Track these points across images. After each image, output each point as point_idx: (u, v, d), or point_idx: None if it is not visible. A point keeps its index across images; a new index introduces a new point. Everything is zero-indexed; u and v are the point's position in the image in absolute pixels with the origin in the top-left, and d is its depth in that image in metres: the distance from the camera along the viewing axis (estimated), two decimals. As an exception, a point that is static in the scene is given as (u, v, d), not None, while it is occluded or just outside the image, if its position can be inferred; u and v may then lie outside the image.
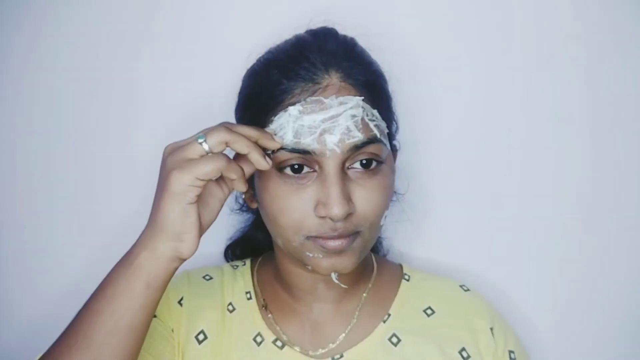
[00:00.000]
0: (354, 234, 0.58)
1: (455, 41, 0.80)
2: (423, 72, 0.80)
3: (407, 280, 0.71)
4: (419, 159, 0.80)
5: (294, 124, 0.56)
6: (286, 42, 0.64)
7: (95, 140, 0.82)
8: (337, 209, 0.55)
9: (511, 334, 0.69)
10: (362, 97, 0.58)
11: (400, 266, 0.74)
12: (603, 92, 0.79)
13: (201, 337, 0.66)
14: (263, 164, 0.55)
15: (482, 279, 0.80)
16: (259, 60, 0.65)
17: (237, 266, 0.74)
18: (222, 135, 0.53)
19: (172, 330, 0.66)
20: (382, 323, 0.67)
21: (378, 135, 0.58)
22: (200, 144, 0.53)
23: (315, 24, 0.66)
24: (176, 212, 0.53)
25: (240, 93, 0.66)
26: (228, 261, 0.80)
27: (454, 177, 0.82)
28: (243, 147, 0.54)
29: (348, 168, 0.58)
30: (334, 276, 0.62)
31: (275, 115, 0.58)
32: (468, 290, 0.71)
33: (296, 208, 0.57)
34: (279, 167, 0.58)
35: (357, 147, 0.57)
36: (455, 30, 0.80)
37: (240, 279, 0.72)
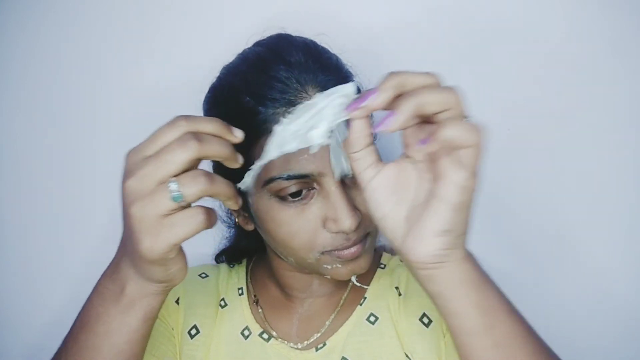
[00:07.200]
0: (366, 235, 0.59)
1: (453, 41, 0.80)
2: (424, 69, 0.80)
3: (383, 269, 0.73)
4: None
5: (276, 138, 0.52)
6: (244, 61, 0.61)
7: (99, 140, 0.85)
8: (349, 222, 0.55)
9: None
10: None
11: (380, 256, 0.75)
12: (601, 92, 0.78)
13: (194, 331, 0.68)
14: (232, 205, 0.48)
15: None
16: (221, 85, 0.62)
17: (234, 265, 0.77)
18: (202, 186, 0.43)
19: (173, 329, 0.68)
20: (359, 306, 0.68)
21: None
22: (176, 200, 0.42)
23: (268, 32, 0.64)
24: (159, 271, 0.46)
25: None
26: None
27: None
28: (223, 195, 0.45)
29: (345, 176, 0.57)
30: (354, 279, 0.63)
31: (261, 140, 0.55)
32: None
33: (305, 229, 0.57)
34: (279, 195, 0.56)
35: None
36: (453, 30, 0.80)
37: (235, 276, 0.74)
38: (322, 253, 0.58)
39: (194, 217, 0.43)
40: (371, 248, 0.61)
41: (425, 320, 0.65)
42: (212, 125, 0.45)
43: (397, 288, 0.69)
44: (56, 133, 0.84)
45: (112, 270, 0.49)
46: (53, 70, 0.83)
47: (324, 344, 0.66)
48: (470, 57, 0.79)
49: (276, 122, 0.53)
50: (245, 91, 0.57)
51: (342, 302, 0.69)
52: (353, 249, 0.58)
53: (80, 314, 0.52)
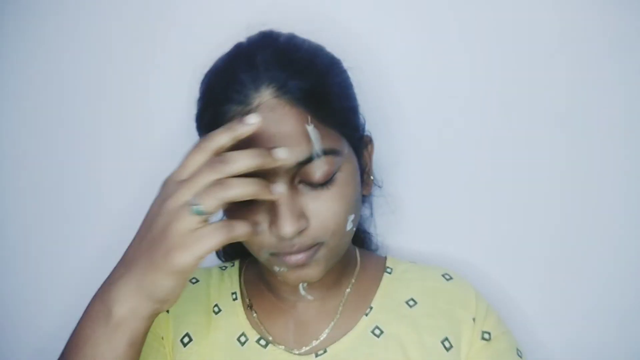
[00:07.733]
0: (315, 245, 0.57)
1: (452, 42, 0.79)
2: (418, 69, 0.80)
3: (389, 273, 0.71)
4: (412, 152, 0.81)
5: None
6: (222, 57, 0.62)
7: (103, 139, 0.85)
8: (286, 228, 0.53)
9: (492, 317, 0.67)
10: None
11: (385, 259, 0.74)
12: (599, 92, 0.78)
13: (186, 339, 0.66)
14: (269, 196, 0.50)
15: (475, 269, 0.81)
16: (203, 79, 0.63)
17: (226, 267, 0.75)
18: (220, 196, 0.47)
19: (162, 338, 0.67)
20: (364, 316, 0.66)
21: (324, 147, 0.55)
22: (199, 213, 0.47)
23: (263, 26, 0.63)
24: (170, 287, 0.48)
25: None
26: (220, 259, 0.81)
27: (450, 172, 0.82)
28: (246, 193, 0.48)
29: (299, 182, 0.56)
30: (301, 288, 0.62)
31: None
32: (451, 279, 0.70)
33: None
34: None
35: (301, 163, 0.54)
36: (453, 31, 0.79)
37: (228, 280, 0.73)
38: (271, 254, 0.58)
39: (218, 230, 0.47)
40: (325, 259, 0.59)
41: (447, 344, 0.64)
42: (227, 135, 0.49)
43: (408, 300, 0.68)
44: (60, 133, 0.84)
45: (103, 290, 0.51)
46: (55, 69, 0.84)
47: (325, 351, 0.64)
48: (469, 57, 0.79)
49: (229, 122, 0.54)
50: (211, 88, 0.60)
51: (340, 308, 0.68)
52: (298, 256, 0.57)
53: (71, 335, 0.53)
